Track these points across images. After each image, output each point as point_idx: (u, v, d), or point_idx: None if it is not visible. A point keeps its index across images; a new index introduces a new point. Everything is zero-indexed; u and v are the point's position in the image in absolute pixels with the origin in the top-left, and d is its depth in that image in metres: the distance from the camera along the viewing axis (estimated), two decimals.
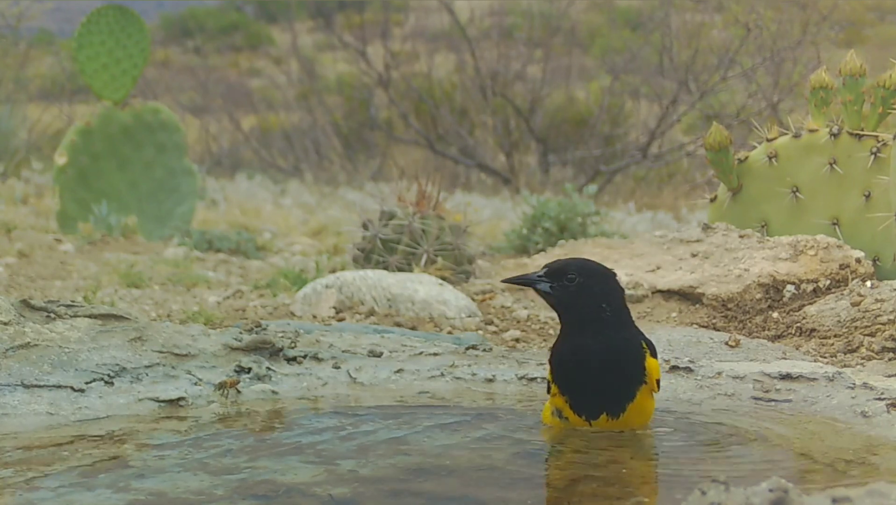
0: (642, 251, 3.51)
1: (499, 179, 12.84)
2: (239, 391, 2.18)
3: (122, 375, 2.15)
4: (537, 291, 1.93)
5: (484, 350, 2.47)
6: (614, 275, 1.95)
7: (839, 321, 2.85)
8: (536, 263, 3.94)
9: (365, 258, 4.11)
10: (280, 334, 2.43)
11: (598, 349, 1.88)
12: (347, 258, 4.43)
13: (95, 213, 5.86)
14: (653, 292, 3.32)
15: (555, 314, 2.03)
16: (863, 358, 2.65)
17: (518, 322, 3.33)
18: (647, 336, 1.97)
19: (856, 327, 2.82)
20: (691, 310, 3.21)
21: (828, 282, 3.15)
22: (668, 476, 1.74)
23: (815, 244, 3.26)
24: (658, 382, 1.94)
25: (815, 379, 2.22)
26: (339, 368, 2.34)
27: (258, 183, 11.76)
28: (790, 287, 3.15)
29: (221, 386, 2.18)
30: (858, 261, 3.20)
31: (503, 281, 1.98)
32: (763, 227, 3.56)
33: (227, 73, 19.59)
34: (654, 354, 1.93)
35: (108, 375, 2.14)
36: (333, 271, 4.32)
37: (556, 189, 10.43)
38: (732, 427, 2.02)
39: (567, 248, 3.82)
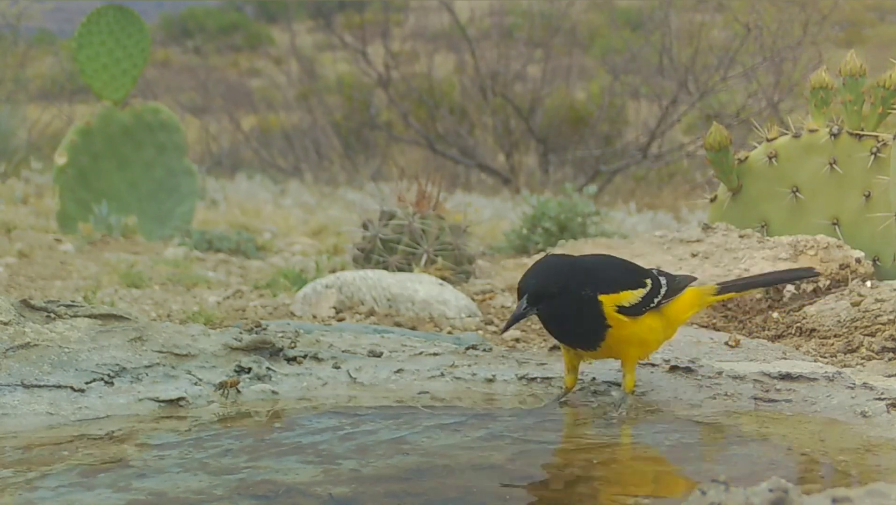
0: (642, 251, 3.51)
1: (499, 179, 12.84)
2: (239, 391, 2.18)
3: (122, 375, 2.16)
4: (534, 315, 2.05)
5: (484, 350, 2.47)
6: (574, 260, 2.10)
7: (839, 321, 2.85)
8: None
9: (365, 258, 4.11)
10: (280, 334, 2.43)
11: (563, 315, 2.05)
12: (347, 258, 4.43)
13: (95, 213, 5.86)
14: None
15: None
16: (863, 358, 2.65)
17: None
18: (609, 270, 2.11)
19: (856, 327, 2.82)
20: None
21: (828, 282, 3.15)
22: (669, 476, 1.74)
23: (815, 244, 3.25)
24: (625, 308, 2.06)
25: (815, 379, 2.22)
26: (339, 368, 2.34)
27: (258, 183, 11.76)
28: (790, 287, 3.15)
29: (221, 386, 2.18)
30: (858, 261, 3.19)
31: (503, 331, 2.08)
32: (763, 227, 3.56)
33: (227, 73, 19.59)
34: (620, 287, 2.07)
35: (108, 375, 2.14)
36: (333, 271, 4.32)
37: (556, 189, 10.43)
38: (732, 427, 2.02)
39: (567, 248, 3.82)
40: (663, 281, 2.16)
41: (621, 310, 2.07)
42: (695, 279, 2.29)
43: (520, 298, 2.02)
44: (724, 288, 2.28)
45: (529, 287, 2.02)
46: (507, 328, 2.06)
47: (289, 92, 15.76)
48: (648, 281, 2.13)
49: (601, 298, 2.05)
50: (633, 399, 2.14)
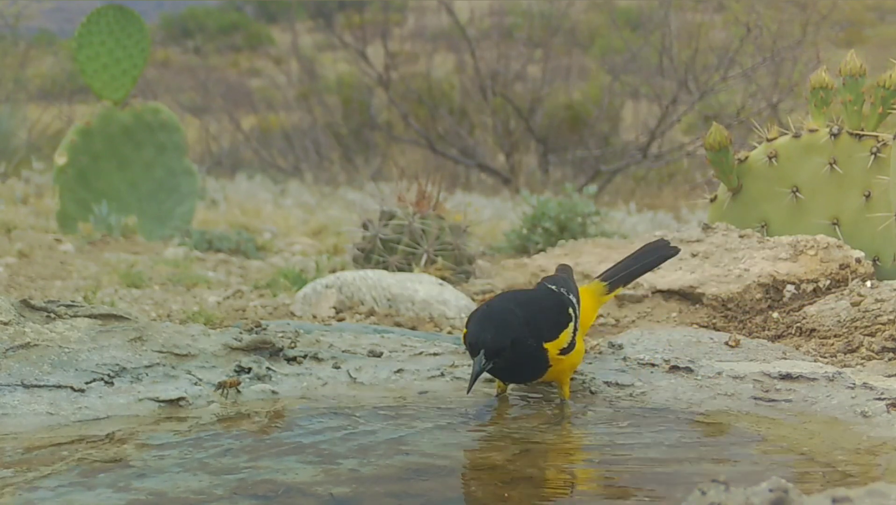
0: None
1: (499, 179, 12.84)
2: (239, 391, 2.18)
3: (122, 375, 2.16)
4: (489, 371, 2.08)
5: None
6: (515, 307, 2.11)
7: (839, 321, 2.85)
8: (537, 264, 3.94)
9: (365, 258, 4.11)
10: (280, 334, 2.43)
11: (512, 363, 2.07)
12: (347, 258, 4.43)
13: (95, 213, 5.86)
14: (653, 292, 3.32)
15: None
16: (863, 358, 2.65)
17: None
18: (545, 311, 2.15)
19: (856, 327, 2.82)
20: (691, 310, 3.21)
21: (828, 282, 3.15)
22: (668, 476, 1.74)
23: (815, 244, 3.25)
24: (565, 350, 2.13)
25: (815, 379, 2.22)
26: (339, 367, 2.34)
27: (258, 183, 11.77)
28: (790, 287, 3.15)
29: (221, 386, 2.18)
30: (858, 261, 3.19)
31: (468, 391, 2.06)
32: (763, 227, 3.56)
33: (227, 73, 19.60)
34: (558, 330, 2.12)
35: (108, 375, 2.14)
36: (333, 271, 4.33)
37: (556, 189, 10.44)
38: (732, 427, 2.02)
39: (567, 248, 3.82)
40: (573, 299, 2.23)
41: (562, 352, 2.14)
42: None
43: (474, 352, 2.01)
44: (611, 284, 2.37)
45: (486, 342, 2.01)
46: (471, 387, 2.03)
47: (289, 92, 15.77)
48: (571, 311, 2.19)
49: (546, 346, 2.11)
50: (573, 406, 2.18)
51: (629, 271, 2.44)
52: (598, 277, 2.45)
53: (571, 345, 2.16)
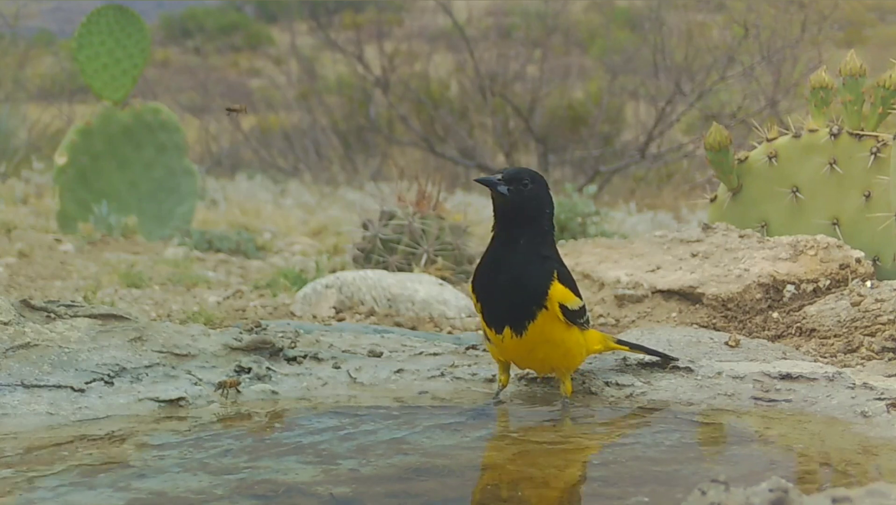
0: (642, 251, 3.51)
1: None
2: (239, 391, 2.18)
3: (122, 375, 2.16)
4: (497, 192, 2.12)
5: (484, 350, 2.47)
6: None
7: (839, 321, 2.85)
8: None
9: (365, 258, 4.11)
10: (280, 334, 2.43)
11: (512, 262, 2.09)
12: (347, 258, 4.43)
13: (95, 213, 5.86)
14: (653, 292, 3.32)
15: None
16: (863, 358, 2.65)
17: None
18: (566, 269, 2.19)
19: (856, 327, 2.82)
20: (691, 310, 3.21)
21: (828, 282, 3.15)
22: (668, 476, 1.74)
23: (815, 244, 3.25)
24: (566, 309, 2.12)
25: (815, 379, 2.22)
26: (339, 368, 2.34)
27: (258, 183, 11.76)
28: (790, 287, 3.15)
29: (221, 386, 2.18)
30: (858, 261, 3.19)
31: (475, 180, 2.19)
32: (763, 227, 3.56)
33: (227, 73, 19.59)
34: (569, 287, 2.14)
35: (108, 375, 2.14)
36: (333, 271, 4.32)
37: (555, 189, 10.42)
38: (732, 427, 2.02)
39: (567, 248, 3.82)
40: (587, 309, 2.27)
41: (563, 309, 2.12)
42: None
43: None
44: (619, 341, 2.40)
45: (507, 169, 2.13)
46: (478, 180, 2.14)
47: (289, 92, 15.76)
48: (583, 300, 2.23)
49: (555, 282, 2.11)
50: (572, 406, 2.17)
51: (636, 343, 2.50)
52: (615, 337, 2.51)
53: (573, 316, 2.14)
